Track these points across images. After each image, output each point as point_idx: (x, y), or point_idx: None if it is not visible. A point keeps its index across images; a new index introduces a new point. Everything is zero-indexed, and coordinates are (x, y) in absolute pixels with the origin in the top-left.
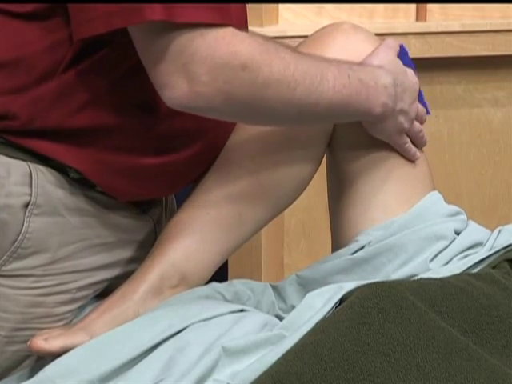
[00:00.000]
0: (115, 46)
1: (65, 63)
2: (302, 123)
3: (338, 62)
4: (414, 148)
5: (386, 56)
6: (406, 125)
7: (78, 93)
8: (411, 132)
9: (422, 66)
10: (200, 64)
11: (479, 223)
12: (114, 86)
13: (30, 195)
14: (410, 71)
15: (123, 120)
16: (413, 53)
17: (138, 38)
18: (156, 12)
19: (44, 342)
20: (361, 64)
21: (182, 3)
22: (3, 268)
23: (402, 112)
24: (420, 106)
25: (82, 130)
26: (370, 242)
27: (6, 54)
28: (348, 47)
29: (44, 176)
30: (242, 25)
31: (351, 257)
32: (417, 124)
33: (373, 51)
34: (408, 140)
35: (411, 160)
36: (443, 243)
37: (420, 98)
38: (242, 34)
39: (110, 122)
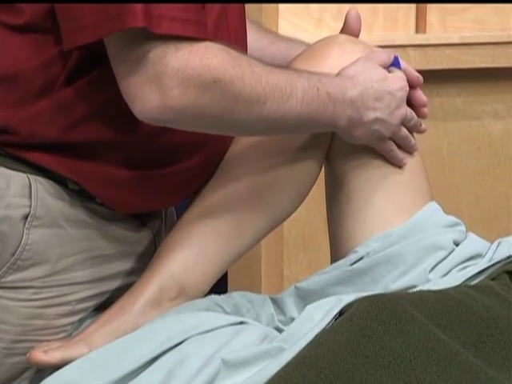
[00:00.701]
0: (110, 63)
1: (61, 80)
2: (269, 134)
3: (309, 74)
4: (400, 154)
5: (363, 65)
6: (385, 133)
7: (75, 109)
8: (396, 138)
9: None
10: (172, 76)
11: (479, 235)
12: (111, 101)
13: (30, 207)
14: (393, 76)
15: (122, 134)
16: (412, 65)
17: (112, 47)
18: (138, 19)
19: (43, 354)
20: (331, 75)
21: (161, 14)
22: (3, 280)
23: (378, 121)
24: (409, 111)
25: (80, 144)
26: (368, 253)
27: (4, 68)
28: (344, 59)
29: (43, 188)
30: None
31: (350, 268)
32: (403, 129)
33: (355, 60)
34: (393, 147)
35: (398, 166)
36: (442, 254)
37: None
38: (216, 47)
39: (108, 136)
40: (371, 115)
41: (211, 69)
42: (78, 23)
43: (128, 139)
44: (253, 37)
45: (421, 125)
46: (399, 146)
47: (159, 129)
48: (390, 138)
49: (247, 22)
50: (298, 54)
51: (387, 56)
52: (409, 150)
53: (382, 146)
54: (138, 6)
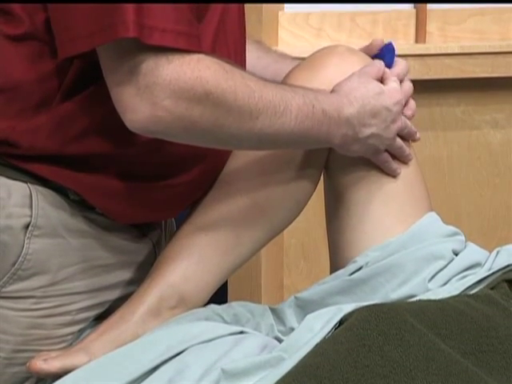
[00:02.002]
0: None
1: (60, 94)
2: (261, 149)
3: (305, 91)
4: (394, 165)
5: (358, 80)
6: (381, 146)
7: (75, 123)
8: (391, 149)
9: (421, 87)
10: (163, 87)
11: (478, 245)
12: (110, 114)
13: (31, 216)
14: (389, 90)
15: (121, 147)
16: (412, 75)
17: (105, 58)
18: (129, 30)
19: (43, 363)
20: (327, 93)
21: (153, 25)
22: (3, 289)
23: (373, 136)
24: (403, 121)
25: (80, 157)
26: (367, 263)
27: (5, 78)
28: (343, 69)
29: (44, 197)
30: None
31: (349, 278)
32: (398, 140)
33: (349, 75)
34: (389, 158)
35: (393, 176)
36: (441, 263)
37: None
38: (208, 60)
39: (108, 149)
40: (367, 132)
41: (203, 81)
42: (72, 33)
43: (128, 152)
44: (255, 55)
45: (415, 133)
46: (394, 156)
47: (159, 142)
48: (385, 150)
49: (249, 41)
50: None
51: (378, 68)
52: (404, 159)
53: (378, 158)
54: (130, 17)
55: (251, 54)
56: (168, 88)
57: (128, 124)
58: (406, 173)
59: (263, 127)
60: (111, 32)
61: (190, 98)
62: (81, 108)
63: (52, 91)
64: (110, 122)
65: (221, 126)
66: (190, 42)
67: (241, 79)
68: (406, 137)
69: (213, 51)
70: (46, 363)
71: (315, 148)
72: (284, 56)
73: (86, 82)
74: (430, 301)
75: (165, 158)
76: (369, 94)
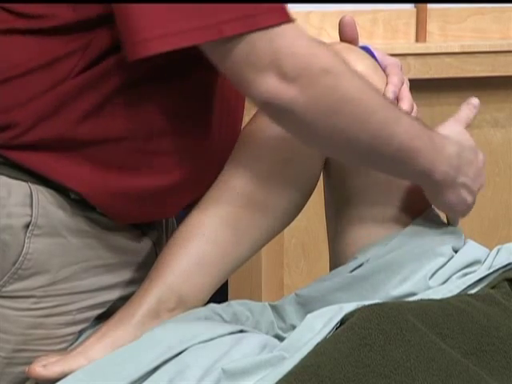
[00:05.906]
0: (116, 59)
1: (64, 74)
2: (366, 160)
3: (409, 114)
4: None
5: (455, 127)
6: (469, 200)
7: (78, 103)
8: None
9: (421, 86)
10: (286, 61)
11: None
12: (114, 97)
13: (31, 216)
14: (475, 148)
15: (126, 130)
16: (412, 74)
17: (213, 52)
18: (235, 27)
19: (42, 369)
20: (430, 127)
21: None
22: (3, 289)
23: (465, 187)
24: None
25: (82, 142)
26: (368, 260)
27: (10, 67)
28: None
29: (45, 197)
30: None
31: (350, 274)
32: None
33: (443, 123)
34: None
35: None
36: (441, 260)
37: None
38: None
39: (110, 134)
40: (462, 179)
41: (318, 58)
42: (146, 35)
43: (128, 143)
44: None
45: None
46: None
47: (157, 143)
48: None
49: None
50: None
51: (468, 114)
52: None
53: (461, 215)
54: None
55: None
56: (289, 62)
57: (256, 96)
58: None
59: (376, 128)
60: (217, 31)
61: (310, 74)
62: (82, 90)
63: (57, 75)
64: (112, 106)
65: (338, 111)
66: (284, 14)
67: (350, 69)
68: None
69: None
70: (45, 369)
71: (413, 181)
72: None
73: (89, 66)
74: (431, 300)
75: (165, 156)
76: (465, 143)
